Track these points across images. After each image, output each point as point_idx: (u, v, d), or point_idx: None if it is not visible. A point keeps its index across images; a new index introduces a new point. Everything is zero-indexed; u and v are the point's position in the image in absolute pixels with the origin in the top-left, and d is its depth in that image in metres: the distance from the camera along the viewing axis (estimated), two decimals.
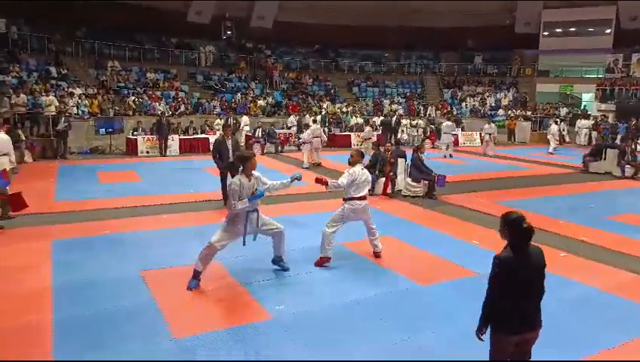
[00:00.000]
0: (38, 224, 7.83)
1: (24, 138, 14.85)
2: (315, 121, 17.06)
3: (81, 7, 23.42)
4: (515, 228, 3.04)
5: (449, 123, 19.55)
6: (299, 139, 17.82)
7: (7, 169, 8.32)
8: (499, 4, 29.62)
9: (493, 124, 19.80)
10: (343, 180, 6.15)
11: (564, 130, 23.59)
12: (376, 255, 6.49)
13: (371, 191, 10.68)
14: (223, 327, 4.51)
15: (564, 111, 26.62)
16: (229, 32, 28.54)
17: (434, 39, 30.79)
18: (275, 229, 5.89)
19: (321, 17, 29.49)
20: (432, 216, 9.11)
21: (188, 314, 4.81)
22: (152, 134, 17.43)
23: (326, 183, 6.13)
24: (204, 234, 6.52)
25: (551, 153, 19.55)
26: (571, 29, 29.48)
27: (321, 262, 6.16)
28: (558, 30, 29.74)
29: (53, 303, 4.96)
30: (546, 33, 29.85)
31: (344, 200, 6.28)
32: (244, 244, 5.63)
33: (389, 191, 10.65)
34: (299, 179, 5.89)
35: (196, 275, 5.46)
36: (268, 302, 5.06)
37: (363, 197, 6.27)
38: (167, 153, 17.18)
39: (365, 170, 6.43)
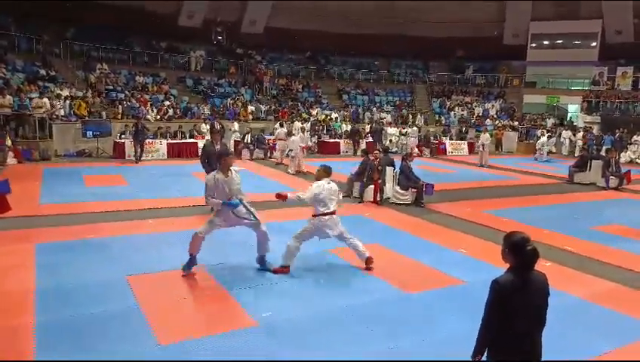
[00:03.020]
0: (22, 227, 7.73)
1: (10, 142, 14.65)
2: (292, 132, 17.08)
3: (71, 9, 23.29)
4: (518, 252, 2.81)
5: (414, 128, 22.63)
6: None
7: None
8: (488, 16, 30.04)
9: (487, 134, 20.01)
10: (305, 194, 6.00)
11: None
12: (367, 262, 6.30)
13: (360, 199, 10.83)
14: (208, 334, 4.47)
15: (550, 122, 27.02)
16: (219, 37, 28.51)
17: (424, 49, 31.10)
18: (256, 223, 5.95)
19: (312, 24, 29.63)
20: (419, 224, 9.15)
21: (173, 320, 4.76)
22: (132, 137, 17.07)
23: (285, 197, 6.03)
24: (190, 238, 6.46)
25: (536, 159, 20.19)
26: (558, 42, 30.01)
27: (280, 271, 6.04)
28: (545, 42, 30.26)
29: (36, 307, 4.88)
30: (533, 45, 30.35)
31: (313, 215, 6.11)
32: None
33: (377, 198, 10.68)
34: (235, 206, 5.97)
35: (192, 259, 5.84)
36: (254, 308, 5.02)
37: (331, 213, 6.09)
38: (148, 157, 16.66)
39: (332, 184, 6.17)
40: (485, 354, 2.91)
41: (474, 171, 17.33)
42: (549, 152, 22.20)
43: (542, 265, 2.95)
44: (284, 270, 6.06)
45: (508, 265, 2.93)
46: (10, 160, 14.41)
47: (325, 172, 6.26)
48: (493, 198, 11.94)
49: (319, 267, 6.25)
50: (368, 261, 6.32)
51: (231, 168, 5.84)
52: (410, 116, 26.83)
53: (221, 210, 5.85)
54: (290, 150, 15.29)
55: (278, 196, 6.01)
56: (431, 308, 5.28)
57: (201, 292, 5.51)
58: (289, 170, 14.96)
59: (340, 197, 6.41)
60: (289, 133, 16.22)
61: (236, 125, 20.56)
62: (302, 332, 4.60)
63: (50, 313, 4.76)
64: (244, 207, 5.89)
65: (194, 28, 27.76)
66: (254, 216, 5.95)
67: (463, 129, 25.68)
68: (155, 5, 25.99)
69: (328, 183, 6.14)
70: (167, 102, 21.69)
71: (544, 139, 21.71)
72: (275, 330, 4.61)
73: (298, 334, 4.56)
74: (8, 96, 16.25)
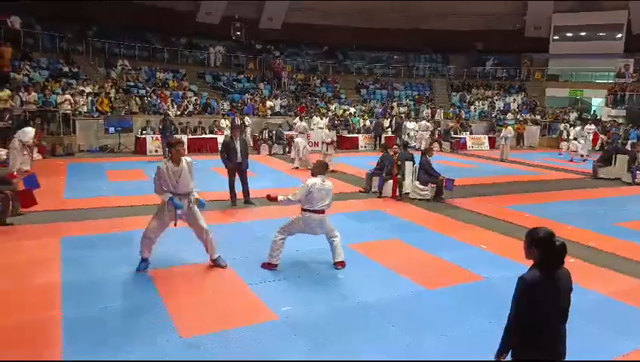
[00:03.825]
0: (48, 221, 7.91)
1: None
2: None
3: (92, 7, 23.66)
4: (545, 248, 2.74)
5: (422, 123, 22.26)
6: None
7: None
8: (509, 8, 29.54)
9: (510, 128, 19.69)
10: (297, 194, 5.88)
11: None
12: (335, 264, 6.11)
13: (379, 194, 10.80)
14: (229, 327, 4.52)
15: (573, 115, 26.49)
16: (238, 33, 28.65)
17: (443, 42, 30.74)
18: (198, 226, 5.92)
19: (329, 19, 29.58)
20: (439, 219, 9.08)
21: (195, 313, 4.83)
22: (159, 132, 17.32)
23: (275, 199, 6.02)
24: (212, 233, 6.52)
25: (582, 156, 19.26)
26: (582, 34, 29.34)
27: (267, 267, 6.00)
28: (568, 34, 29.62)
29: (62, 300, 5.00)
30: (556, 37, 29.74)
31: (302, 209, 5.99)
32: (175, 225, 5.87)
33: (396, 193, 10.63)
34: (200, 205, 6.01)
35: (144, 260, 5.88)
36: (274, 302, 5.06)
37: (319, 211, 5.92)
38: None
39: (327, 183, 6.00)
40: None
41: (495, 166, 17.12)
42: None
43: (566, 262, 2.90)
44: (270, 267, 6.00)
45: (529, 261, 2.89)
46: (35, 155, 14.70)
47: (322, 168, 6.14)
48: (515, 194, 11.77)
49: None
50: (337, 264, 6.12)
51: (183, 158, 5.80)
52: (428, 109, 26.51)
53: (166, 205, 5.84)
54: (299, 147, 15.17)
55: (269, 198, 6.10)
56: (451, 304, 5.24)
57: (222, 287, 5.57)
58: (297, 165, 14.90)
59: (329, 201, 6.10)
60: (292, 127, 16.00)
61: (248, 119, 20.61)
62: (322, 327, 4.61)
63: (76, 306, 4.87)
64: (189, 202, 5.87)
65: (213, 24, 27.95)
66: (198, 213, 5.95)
67: (495, 125, 25.11)
68: (175, 3, 26.24)
69: (323, 181, 5.96)
70: (194, 98, 21.96)
71: (581, 131, 20.85)
72: (295, 325, 4.63)
73: (318, 329, 4.58)
74: (33, 93, 16.62)
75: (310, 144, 18.05)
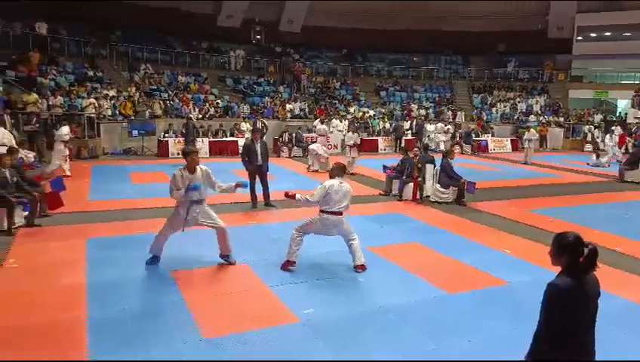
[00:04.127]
0: (74, 222, 8.07)
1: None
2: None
3: (115, 12, 24.11)
4: (576, 253, 2.66)
5: (439, 125, 22.58)
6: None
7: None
8: (531, 8, 29.12)
9: (533, 130, 19.40)
10: (315, 196, 5.90)
11: (598, 137, 22.92)
12: (356, 267, 6.10)
13: (400, 197, 10.75)
14: (251, 329, 4.54)
15: (597, 117, 25.94)
16: (258, 36, 28.89)
17: (464, 43, 30.45)
18: (215, 225, 6.12)
19: (349, 21, 29.59)
20: (461, 223, 8.98)
21: (217, 314, 4.88)
22: (181, 136, 17.59)
23: (293, 197, 6.07)
24: (233, 235, 6.60)
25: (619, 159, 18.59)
26: (606, 34, 28.72)
27: (286, 266, 6.04)
28: (592, 35, 29.03)
29: (88, 300, 5.09)
30: (579, 38, 29.18)
31: (319, 210, 6.02)
32: (182, 231, 6.11)
33: (417, 196, 10.56)
34: (243, 186, 6.40)
35: (154, 257, 6.19)
36: (296, 305, 5.08)
37: (337, 213, 5.93)
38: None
39: (345, 185, 6.02)
40: None
41: (518, 169, 16.88)
42: (598, 149, 21.24)
43: None
44: (289, 266, 6.05)
45: (553, 266, 2.84)
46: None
47: (340, 170, 6.16)
48: (538, 197, 11.58)
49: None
50: (357, 267, 6.11)
51: (197, 166, 6.03)
52: (449, 112, 26.24)
53: (180, 207, 6.04)
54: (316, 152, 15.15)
55: (286, 195, 6.20)
56: (473, 308, 5.18)
57: (244, 288, 5.61)
58: (317, 168, 14.88)
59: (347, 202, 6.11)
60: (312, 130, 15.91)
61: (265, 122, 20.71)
62: (343, 331, 4.61)
63: (102, 306, 4.96)
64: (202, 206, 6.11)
65: (233, 28, 28.23)
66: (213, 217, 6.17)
67: (519, 128, 24.63)
68: (195, 6, 26.58)
69: (340, 183, 5.99)
70: (215, 102, 22.26)
71: (611, 139, 20.19)
72: (317, 327, 4.64)
73: (340, 332, 4.58)
74: (59, 97, 17.02)
75: (329, 146, 18.12)
